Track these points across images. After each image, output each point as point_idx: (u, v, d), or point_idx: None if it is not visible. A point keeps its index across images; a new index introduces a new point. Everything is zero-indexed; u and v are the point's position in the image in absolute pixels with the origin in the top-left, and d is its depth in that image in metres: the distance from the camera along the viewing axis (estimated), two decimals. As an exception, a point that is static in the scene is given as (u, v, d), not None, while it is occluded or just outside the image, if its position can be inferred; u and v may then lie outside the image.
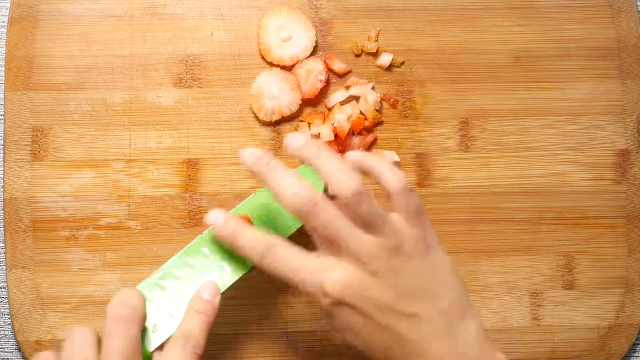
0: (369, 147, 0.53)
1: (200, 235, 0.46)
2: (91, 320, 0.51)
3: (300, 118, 0.54)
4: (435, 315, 0.41)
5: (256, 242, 0.42)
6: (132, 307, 0.42)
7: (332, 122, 0.53)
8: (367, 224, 0.41)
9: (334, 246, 0.41)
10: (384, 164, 0.43)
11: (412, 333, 0.40)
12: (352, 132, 0.53)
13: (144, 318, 0.43)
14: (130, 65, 0.54)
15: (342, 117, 0.53)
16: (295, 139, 0.43)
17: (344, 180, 0.41)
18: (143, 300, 0.43)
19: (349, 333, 0.41)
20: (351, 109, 0.53)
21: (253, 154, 0.43)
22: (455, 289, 0.42)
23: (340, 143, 0.53)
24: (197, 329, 0.43)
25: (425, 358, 0.40)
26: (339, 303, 0.40)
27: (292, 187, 0.41)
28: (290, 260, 0.42)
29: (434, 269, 0.42)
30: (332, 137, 0.52)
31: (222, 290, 0.44)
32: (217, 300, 0.44)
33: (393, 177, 0.42)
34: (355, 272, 0.40)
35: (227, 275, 0.45)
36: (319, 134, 0.53)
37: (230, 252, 0.45)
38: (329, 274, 0.40)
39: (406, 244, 0.41)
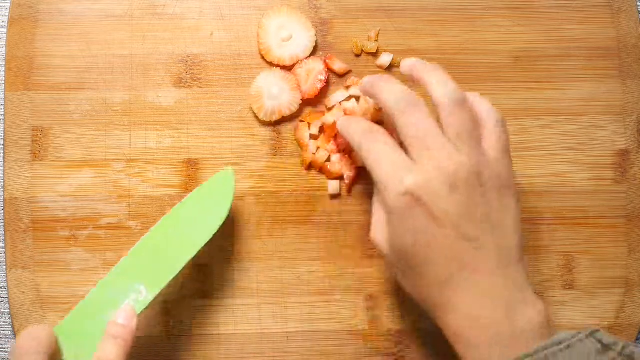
0: (369, 147, 0.53)
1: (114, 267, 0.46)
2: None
3: (300, 118, 0.54)
4: (494, 250, 0.42)
5: (360, 130, 0.46)
6: (37, 340, 0.42)
7: (343, 109, 0.53)
8: (459, 139, 0.43)
9: (423, 150, 0.43)
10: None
11: (467, 255, 0.42)
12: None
13: (50, 350, 0.43)
14: (130, 65, 0.54)
15: (353, 105, 0.53)
16: (406, 61, 0.47)
17: (446, 90, 0.44)
18: (51, 334, 0.43)
19: (410, 236, 0.42)
20: (352, 106, 0.53)
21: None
22: (518, 236, 0.44)
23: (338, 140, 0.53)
24: (114, 354, 0.43)
25: (468, 286, 0.42)
26: (415, 199, 0.42)
27: (401, 88, 0.45)
28: (384, 150, 0.44)
29: (504, 211, 0.43)
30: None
31: (139, 312, 0.45)
32: (133, 323, 0.44)
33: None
34: (437, 178, 0.42)
35: (142, 295, 0.46)
36: (321, 126, 0.53)
37: (145, 271, 0.46)
38: (413, 173, 0.42)
39: (487, 175, 0.43)
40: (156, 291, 0.46)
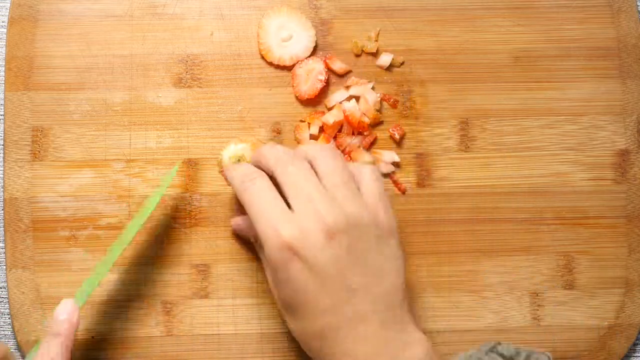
0: (368, 147, 0.53)
1: None
2: (91, 320, 0.51)
3: (300, 118, 0.54)
4: (374, 296, 0.42)
5: (242, 174, 0.46)
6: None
7: (343, 109, 0.53)
8: (337, 189, 0.43)
9: (302, 201, 0.43)
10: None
11: (346, 306, 0.42)
12: (352, 132, 0.53)
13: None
14: (130, 65, 0.54)
15: (353, 105, 0.53)
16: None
17: (319, 147, 0.46)
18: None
19: (289, 289, 0.42)
20: (352, 106, 0.53)
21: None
22: (400, 279, 0.44)
23: (339, 139, 0.53)
24: (54, 351, 0.43)
25: (351, 336, 0.41)
26: (292, 252, 0.41)
27: (281, 147, 0.46)
28: (263, 201, 0.43)
29: (384, 256, 0.43)
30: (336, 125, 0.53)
31: (80, 304, 0.46)
32: (74, 318, 0.45)
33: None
34: (314, 229, 0.42)
35: (83, 288, 0.47)
36: (321, 127, 0.53)
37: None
38: (289, 224, 0.42)
39: (365, 223, 0.43)
40: (95, 284, 0.47)
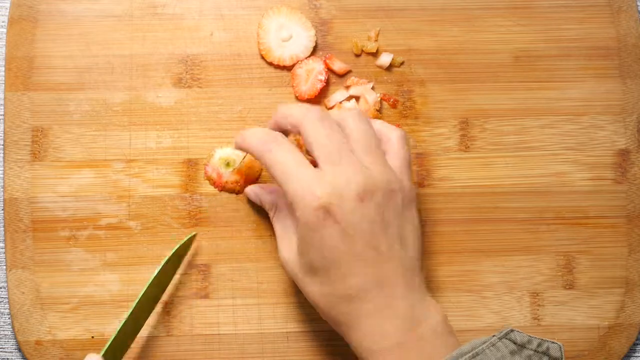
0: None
1: None
2: (91, 321, 0.51)
3: (300, 118, 0.54)
4: (400, 261, 0.43)
5: (262, 136, 0.45)
6: None
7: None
8: (365, 153, 0.44)
9: (332, 163, 0.43)
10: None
11: (375, 268, 0.42)
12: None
13: None
14: (130, 65, 0.54)
15: (353, 105, 0.53)
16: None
17: (350, 111, 0.45)
18: None
19: (320, 250, 0.42)
20: (352, 106, 0.53)
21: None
22: (419, 247, 0.45)
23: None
24: None
25: (378, 298, 0.42)
26: (327, 213, 0.41)
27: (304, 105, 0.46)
28: (291, 162, 0.43)
29: (408, 223, 0.44)
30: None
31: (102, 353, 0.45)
32: None
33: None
34: (348, 191, 0.42)
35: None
36: None
37: None
38: (323, 186, 0.42)
39: (393, 188, 0.43)
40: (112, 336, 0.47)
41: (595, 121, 0.55)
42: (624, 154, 0.54)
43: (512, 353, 0.39)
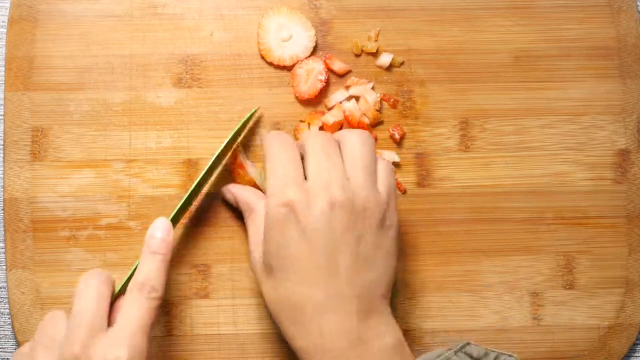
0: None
1: None
2: (91, 320, 0.51)
3: (300, 118, 0.54)
4: (355, 279, 0.42)
5: (279, 134, 0.47)
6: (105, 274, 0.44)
7: (343, 109, 0.53)
8: (357, 171, 0.44)
9: (316, 173, 0.44)
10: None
11: (327, 279, 0.42)
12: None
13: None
14: (130, 65, 0.54)
15: (353, 105, 0.53)
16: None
17: (355, 132, 0.46)
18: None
19: (278, 247, 0.42)
20: (352, 106, 0.53)
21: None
22: (388, 275, 0.44)
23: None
24: (154, 272, 0.43)
25: (328, 315, 0.41)
26: (290, 211, 0.42)
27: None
28: (284, 158, 0.45)
29: (378, 248, 0.43)
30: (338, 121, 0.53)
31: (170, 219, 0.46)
32: (170, 237, 0.45)
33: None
34: (320, 197, 0.42)
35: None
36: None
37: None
38: (299, 188, 0.43)
39: (371, 211, 0.43)
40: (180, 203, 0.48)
41: (595, 121, 0.55)
42: (624, 154, 0.54)
43: None
